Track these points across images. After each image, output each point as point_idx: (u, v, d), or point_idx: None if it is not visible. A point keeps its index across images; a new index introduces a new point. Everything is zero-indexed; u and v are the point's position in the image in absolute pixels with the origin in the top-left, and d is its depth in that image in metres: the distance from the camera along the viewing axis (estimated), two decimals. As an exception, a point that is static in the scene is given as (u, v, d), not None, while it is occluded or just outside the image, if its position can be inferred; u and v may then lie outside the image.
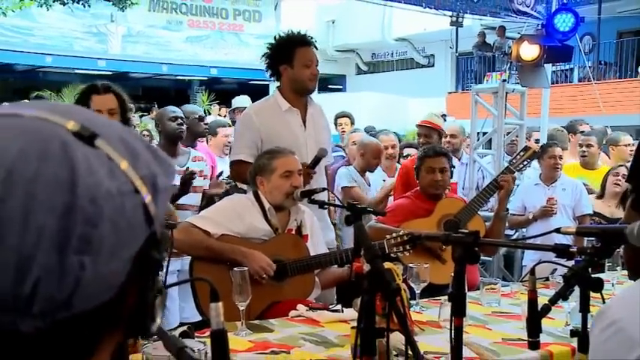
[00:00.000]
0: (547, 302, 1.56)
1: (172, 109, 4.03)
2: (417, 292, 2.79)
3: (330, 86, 22.22)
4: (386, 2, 6.69)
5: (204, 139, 5.22)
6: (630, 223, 1.17)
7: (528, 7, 6.13)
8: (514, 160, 3.86)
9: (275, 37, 3.49)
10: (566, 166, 5.21)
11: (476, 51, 16.31)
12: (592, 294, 1.60)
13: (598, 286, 1.55)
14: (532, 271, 1.86)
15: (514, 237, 5.23)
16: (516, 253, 5.35)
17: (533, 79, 5.86)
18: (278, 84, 3.52)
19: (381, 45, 21.93)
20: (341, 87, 23.67)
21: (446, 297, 2.01)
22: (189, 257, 2.96)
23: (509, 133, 6.04)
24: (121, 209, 0.56)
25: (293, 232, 3.03)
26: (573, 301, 2.13)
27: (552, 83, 8.42)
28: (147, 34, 18.79)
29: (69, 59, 17.74)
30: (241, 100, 6.96)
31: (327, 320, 2.59)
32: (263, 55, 3.49)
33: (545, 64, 5.90)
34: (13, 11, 16.45)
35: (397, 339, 1.83)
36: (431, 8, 6.19)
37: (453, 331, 1.66)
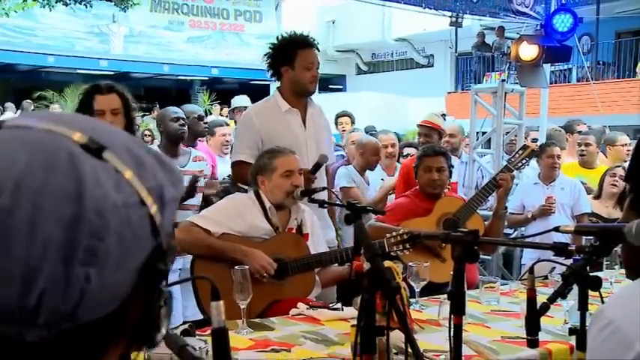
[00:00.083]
0: (546, 300, 1.57)
1: (174, 110, 4.03)
2: (416, 290, 2.79)
3: (330, 86, 22.20)
4: (386, 2, 6.70)
5: (204, 138, 5.23)
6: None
7: (527, 7, 6.14)
8: (513, 159, 3.87)
9: (277, 38, 3.50)
10: (565, 165, 5.22)
11: (475, 51, 16.32)
12: (590, 292, 1.60)
13: (596, 284, 1.56)
14: (531, 270, 1.86)
15: (513, 236, 5.25)
16: (515, 251, 5.36)
17: (531, 79, 5.87)
18: (279, 84, 3.54)
19: (381, 45, 21.92)
20: (341, 87, 23.67)
21: (445, 295, 2.02)
22: (191, 256, 2.97)
23: (508, 132, 6.06)
24: (127, 221, 0.56)
25: (294, 230, 3.04)
26: (572, 299, 2.13)
27: (551, 83, 8.41)
28: (148, 35, 18.81)
29: (71, 59, 17.77)
30: (240, 100, 6.97)
31: (327, 318, 2.60)
32: (265, 55, 3.50)
33: (543, 64, 5.92)
34: (15, 12, 16.50)
35: (397, 337, 1.83)
36: (430, 8, 6.19)
37: (452, 330, 1.67)
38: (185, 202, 3.75)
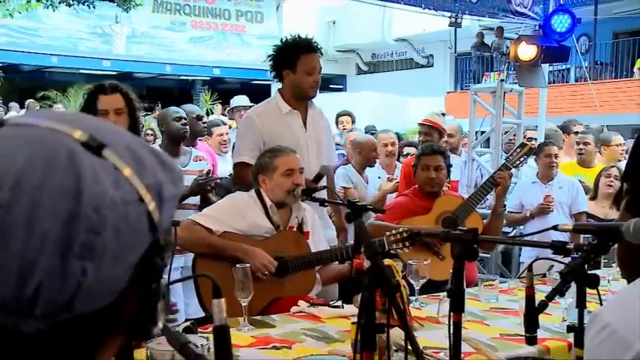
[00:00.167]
0: (544, 298, 1.58)
1: (175, 110, 4.03)
2: (416, 288, 2.80)
3: (330, 86, 22.19)
4: (386, 3, 6.71)
5: (204, 138, 5.24)
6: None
7: (526, 8, 6.16)
8: (511, 157, 3.89)
9: (281, 40, 3.49)
10: (563, 164, 5.24)
11: (474, 51, 16.34)
12: (588, 290, 1.61)
13: (594, 282, 1.57)
14: (529, 268, 1.86)
15: (512, 234, 5.27)
16: (514, 249, 5.38)
17: (530, 79, 5.89)
18: (280, 85, 3.55)
19: (381, 45, 21.92)
20: (341, 87, 23.66)
21: (445, 293, 2.03)
22: (192, 254, 2.99)
23: (507, 132, 6.08)
24: (124, 217, 0.57)
25: (294, 229, 3.06)
26: (570, 297, 2.14)
27: (549, 83, 8.44)
28: (151, 35, 18.80)
29: (74, 59, 17.76)
30: (239, 100, 6.98)
31: (327, 316, 2.61)
32: (268, 57, 3.51)
33: (542, 64, 5.94)
34: (19, 12, 16.51)
35: (397, 334, 1.84)
36: (430, 9, 6.21)
37: (451, 327, 1.67)
38: (185, 202, 3.76)
